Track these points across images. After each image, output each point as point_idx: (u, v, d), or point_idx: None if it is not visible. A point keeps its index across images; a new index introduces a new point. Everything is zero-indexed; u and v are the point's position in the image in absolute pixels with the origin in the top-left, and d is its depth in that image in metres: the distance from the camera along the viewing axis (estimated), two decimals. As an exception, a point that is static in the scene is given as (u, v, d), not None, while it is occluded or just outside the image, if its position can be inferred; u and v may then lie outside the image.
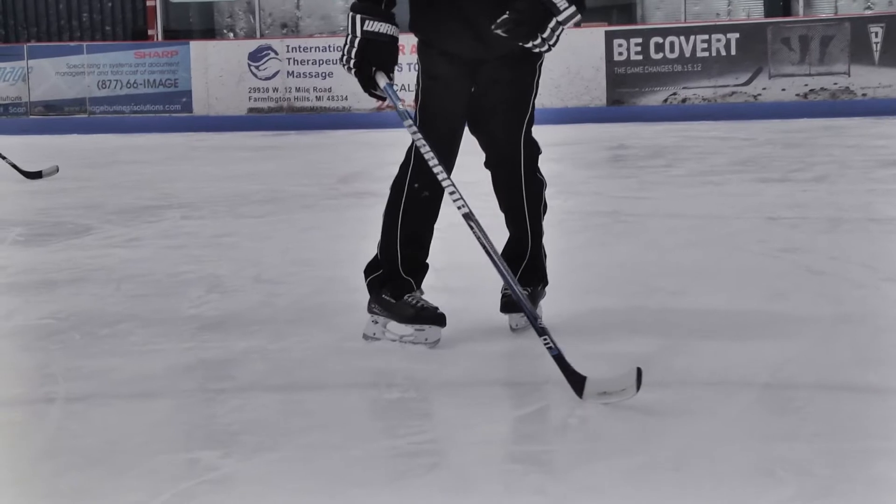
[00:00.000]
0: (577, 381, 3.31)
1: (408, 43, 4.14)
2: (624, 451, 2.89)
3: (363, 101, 14.80)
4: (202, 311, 4.59)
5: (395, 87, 3.89)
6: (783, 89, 13.86)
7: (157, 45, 15.84)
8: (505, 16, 3.66)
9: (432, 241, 4.17)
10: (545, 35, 3.68)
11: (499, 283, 3.87)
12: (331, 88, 14.97)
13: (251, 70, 15.18)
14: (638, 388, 3.17)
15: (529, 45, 3.70)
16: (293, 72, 15.07)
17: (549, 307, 4.16)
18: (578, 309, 4.45)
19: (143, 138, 13.98)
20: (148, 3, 17.20)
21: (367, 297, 4.20)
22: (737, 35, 14.03)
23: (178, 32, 17.07)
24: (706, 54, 14.07)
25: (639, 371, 3.18)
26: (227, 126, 14.73)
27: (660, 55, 14.17)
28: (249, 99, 15.19)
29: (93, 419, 3.29)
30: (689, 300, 4.48)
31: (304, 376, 3.67)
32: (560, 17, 3.67)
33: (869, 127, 11.96)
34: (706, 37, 14.12)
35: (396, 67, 3.89)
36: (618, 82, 14.09)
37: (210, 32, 18.04)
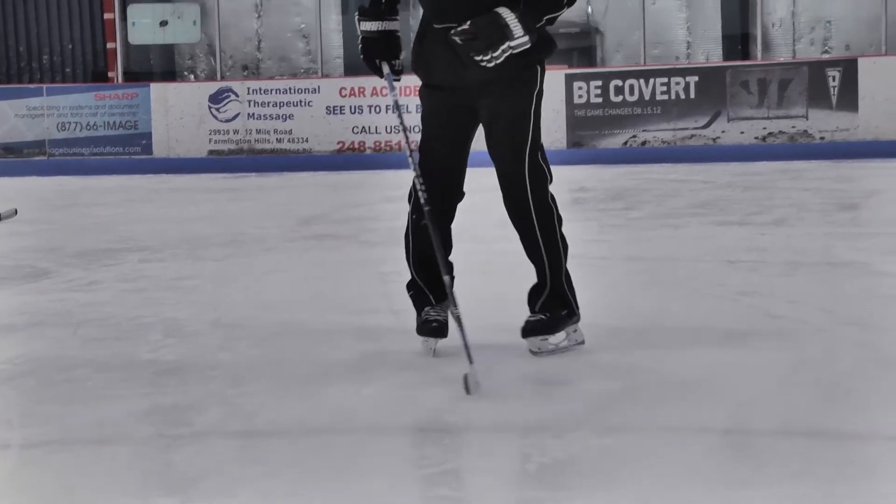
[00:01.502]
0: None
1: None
2: (585, 496, 2.88)
3: (323, 143, 14.81)
4: (160, 355, 4.56)
5: (397, 76, 4.45)
6: (742, 132, 13.95)
7: (117, 87, 15.80)
8: (465, 26, 4.06)
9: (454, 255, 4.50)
10: (495, 54, 4.04)
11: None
12: (291, 130, 14.97)
13: (212, 112, 15.16)
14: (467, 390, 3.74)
15: (478, 57, 4.06)
16: (254, 114, 15.06)
17: (508, 350, 4.17)
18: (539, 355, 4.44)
19: (104, 180, 13.92)
20: (108, 46, 17.17)
21: (327, 339, 4.44)
22: (696, 78, 14.14)
23: (139, 74, 17.04)
24: (665, 97, 14.16)
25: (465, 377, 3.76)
26: (188, 168, 14.69)
27: (619, 98, 14.25)
28: (210, 141, 15.16)
29: (49, 465, 3.25)
30: (648, 343, 4.48)
31: (263, 421, 3.64)
32: (512, 43, 4.03)
33: (827, 170, 12.05)
34: (665, 80, 14.22)
35: (397, 62, 4.44)
36: (578, 125, 14.16)
37: (171, 74, 18.02)
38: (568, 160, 13.43)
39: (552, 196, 4.37)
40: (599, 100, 14.18)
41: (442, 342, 4.36)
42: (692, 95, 14.07)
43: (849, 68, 13.61)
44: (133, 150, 15.25)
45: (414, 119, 4.66)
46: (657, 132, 14.13)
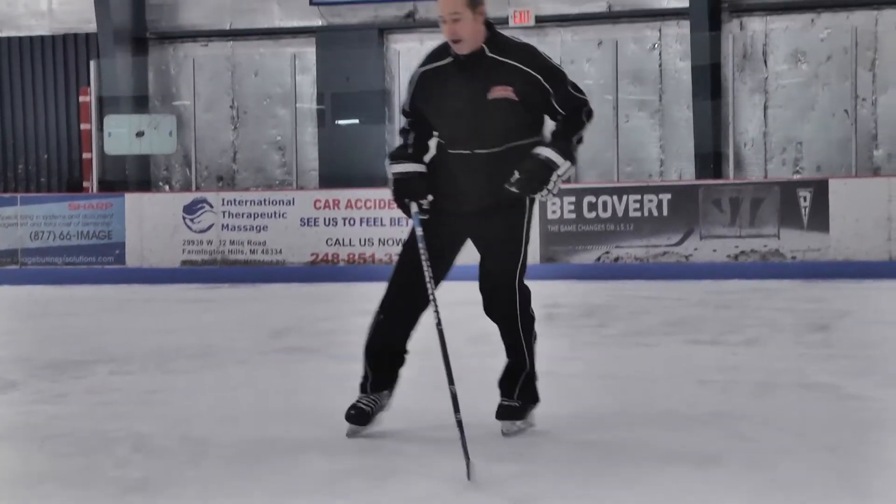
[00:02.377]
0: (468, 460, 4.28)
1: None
2: None
3: (297, 255, 14.82)
4: (126, 471, 4.51)
5: (425, 215, 4.98)
6: (714, 250, 14.03)
7: (91, 197, 15.82)
8: (517, 175, 4.74)
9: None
10: (550, 187, 4.75)
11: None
12: (265, 242, 14.98)
13: (186, 222, 15.17)
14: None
15: (538, 196, 4.79)
16: (228, 224, 15.08)
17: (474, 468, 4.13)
18: (508, 470, 4.42)
19: (76, 290, 13.86)
20: (84, 156, 17.23)
21: (297, 455, 4.60)
22: (669, 196, 14.25)
23: (114, 184, 17.08)
24: (638, 214, 14.25)
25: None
26: (161, 278, 14.66)
27: (593, 214, 14.34)
28: (183, 251, 15.16)
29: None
30: (619, 464, 4.45)
31: (229, 542, 3.59)
32: (559, 171, 4.75)
33: (799, 290, 12.11)
34: (639, 197, 14.32)
35: (424, 201, 4.98)
36: (551, 240, 14.22)
37: (146, 184, 18.08)
38: (542, 275, 13.44)
39: (530, 304, 5.08)
40: (573, 215, 14.26)
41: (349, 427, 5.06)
42: (665, 213, 14.16)
43: (819, 189, 13.74)
44: (106, 259, 15.22)
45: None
46: (630, 249, 14.19)
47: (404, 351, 5.24)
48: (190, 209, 15.16)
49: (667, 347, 7.99)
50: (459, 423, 4.56)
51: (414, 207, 4.98)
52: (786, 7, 16.27)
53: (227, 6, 18.18)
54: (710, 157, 16.12)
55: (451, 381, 4.79)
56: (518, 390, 5.10)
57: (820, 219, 13.64)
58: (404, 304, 5.10)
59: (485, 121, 4.89)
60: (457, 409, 4.63)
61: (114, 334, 9.44)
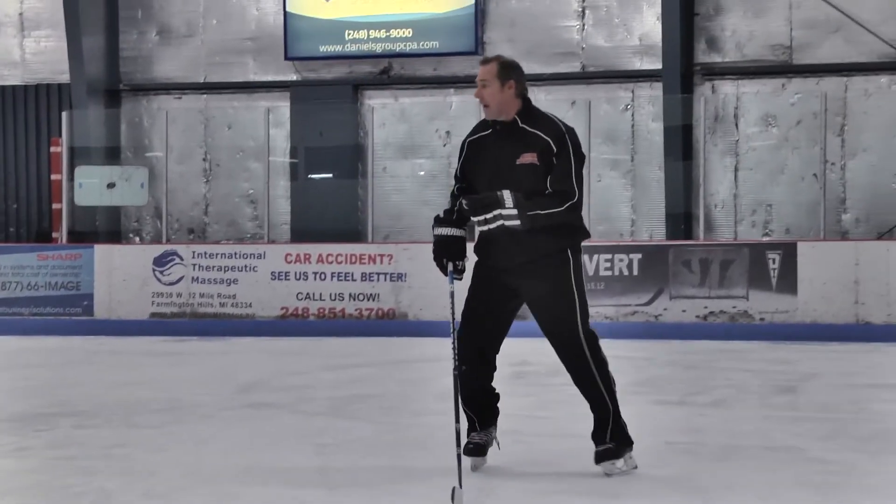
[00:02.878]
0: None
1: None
2: None
3: (267, 309, 14.79)
4: (87, 527, 4.47)
5: (459, 276, 5.65)
6: (683, 310, 14.07)
7: (60, 248, 15.75)
8: (472, 195, 5.51)
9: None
10: (487, 216, 5.47)
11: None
12: (235, 295, 14.94)
13: (155, 275, 15.12)
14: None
15: (474, 218, 5.51)
16: (198, 277, 15.05)
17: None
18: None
19: (42, 341, 13.76)
20: (54, 206, 17.19)
21: None
22: (639, 255, 14.30)
23: (84, 235, 17.03)
24: (609, 273, 14.29)
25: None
26: (129, 330, 14.59)
27: (564, 273, 14.35)
28: (153, 303, 15.10)
29: None
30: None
31: None
32: (503, 212, 5.45)
33: (766, 351, 12.15)
34: (609, 256, 14.36)
35: (461, 263, 5.65)
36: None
37: (116, 236, 18.04)
38: (511, 333, 13.45)
39: (601, 348, 5.60)
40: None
41: (472, 459, 5.62)
42: (635, 272, 14.21)
43: (788, 251, 13.82)
44: (74, 311, 15.13)
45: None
46: (600, 307, 14.21)
47: (493, 390, 5.84)
48: (160, 261, 15.13)
49: (634, 407, 7.91)
50: (459, 457, 5.18)
51: (450, 267, 5.62)
52: (757, 71, 16.44)
53: (202, 60, 18.24)
54: (681, 218, 16.21)
55: (456, 420, 5.36)
56: (609, 434, 5.59)
57: (788, 281, 13.70)
58: (476, 354, 5.70)
59: (512, 181, 5.53)
60: (458, 444, 5.25)
61: (80, 387, 9.38)
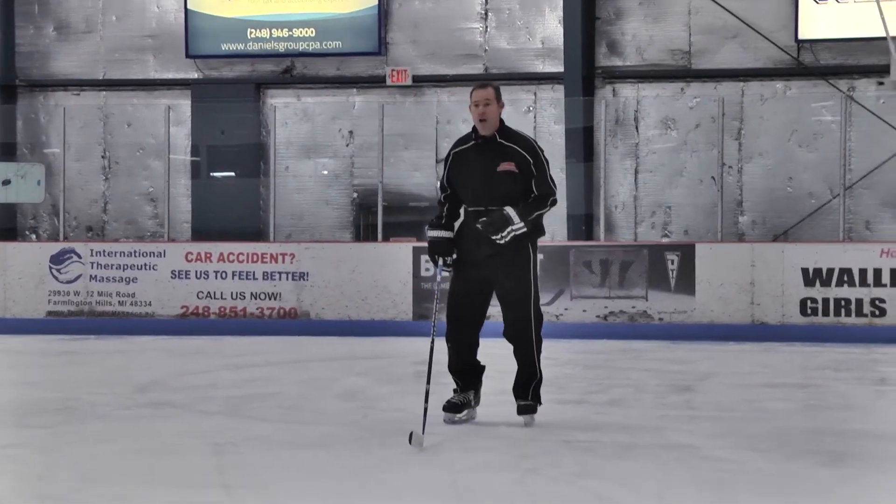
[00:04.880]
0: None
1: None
2: None
3: (167, 308, 14.66)
4: (-22, 528, 4.40)
5: (448, 269, 7.06)
6: (584, 310, 14.20)
7: (-46, 245, 15.50)
8: (484, 218, 6.80)
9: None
10: (503, 234, 6.82)
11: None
12: (134, 294, 14.79)
13: (52, 273, 14.93)
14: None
15: (493, 237, 6.82)
16: (96, 275, 14.87)
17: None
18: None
19: (-65, 339, 13.53)
20: (-53, 203, 16.91)
21: None
22: (540, 256, 14.34)
23: (-22, 233, 16.78)
24: (510, 274, 14.34)
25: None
26: (25, 329, 14.38)
27: (465, 273, 14.40)
28: (49, 302, 14.90)
29: None
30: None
31: None
32: (514, 227, 6.83)
33: (664, 351, 12.30)
34: (510, 257, 14.42)
35: (450, 259, 7.01)
36: (424, 297, 14.26)
37: (12, 233, 17.76)
38: (412, 332, 13.50)
39: (541, 328, 7.11)
40: (446, 273, 14.31)
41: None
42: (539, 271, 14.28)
43: (687, 253, 14.00)
44: (-32, 309, 14.90)
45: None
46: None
47: (477, 363, 7.20)
48: (57, 259, 14.93)
49: (533, 407, 8.02)
50: (425, 411, 6.45)
51: (440, 262, 6.98)
52: (657, 75, 16.63)
53: (101, 56, 18.03)
54: (582, 219, 16.35)
55: (428, 381, 6.66)
56: (531, 393, 7.08)
57: (686, 282, 13.89)
58: (460, 332, 7.06)
59: (495, 186, 6.91)
60: (426, 400, 6.51)
61: (-27, 386, 9.22)
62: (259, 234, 17.01)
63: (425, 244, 7.18)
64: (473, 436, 6.76)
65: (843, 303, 13.61)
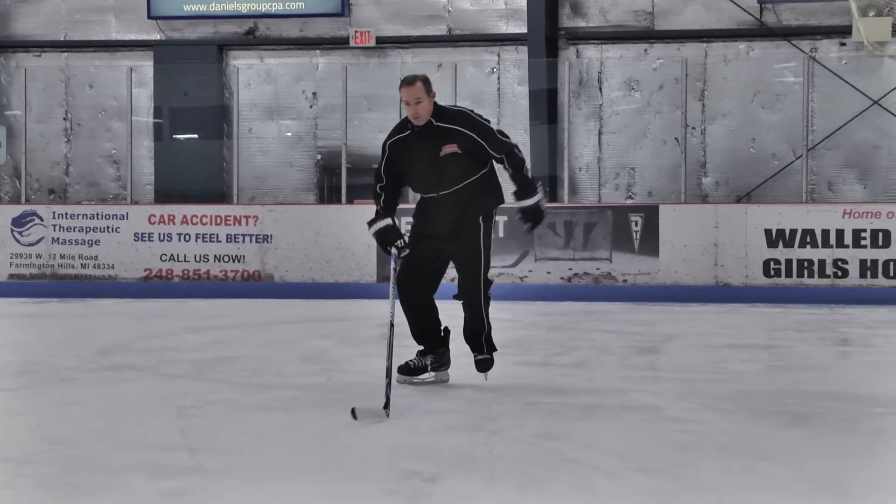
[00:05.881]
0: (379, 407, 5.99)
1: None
2: None
3: (130, 270, 14.60)
4: (-61, 492, 4.37)
5: (402, 252, 6.88)
6: (548, 272, 14.23)
7: (-86, 208, 15.37)
8: (526, 224, 7.12)
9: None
10: (545, 214, 7.14)
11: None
12: (97, 256, 14.72)
13: (14, 235, 14.83)
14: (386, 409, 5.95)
15: (544, 221, 7.13)
16: (59, 238, 14.79)
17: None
18: (335, 499, 4.42)
19: None
20: None
21: (120, 477, 4.58)
22: (504, 218, 14.40)
23: (-61, 194, 16.64)
24: (474, 236, 14.36)
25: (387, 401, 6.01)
26: (-14, 292, 14.31)
27: (430, 235, 14.41)
28: (11, 265, 14.81)
29: None
30: (443, 487, 4.48)
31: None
32: (541, 204, 7.06)
33: (628, 313, 12.35)
34: (475, 219, 14.43)
35: (400, 241, 6.87)
36: (387, 260, 14.25)
37: (-27, 195, 17.63)
38: (376, 294, 13.50)
39: (489, 290, 7.11)
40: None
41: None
42: (501, 234, 14.32)
43: (650, 214, 14.05)
44: (-72, 272, 14.79)
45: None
46: (465, 270, 14.30)
47: (438, 328, 7.21)
48: (19, 222, 14.83)
49: (497, 368, 8.00)
50: (389, 386, 6.21)
51: (394, 251, 6.86)
52: (620, 37, 16.64)
53: (62, 17, 17.87)
54: (546, 181, 16.36)
55: (389, 356, 6.43)
56: (484, 343, 7.13)
57: (650, 243, 13.94)
58: (413, 300, 7.06)
59: (441, 171, 6.88)
60: (388, 376, 6.28)
61: (-66, 350, 9.16)
62: (222, 197, 16.95)
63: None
64: (438, 398, 6.77)
65: (805, 264, 13.70)
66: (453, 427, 5.82)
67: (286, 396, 6.70)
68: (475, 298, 7.06)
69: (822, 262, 13.70)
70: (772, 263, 13.76)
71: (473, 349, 7.19)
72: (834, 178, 16.22)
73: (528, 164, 7.13)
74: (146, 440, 5.38)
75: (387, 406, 5.98)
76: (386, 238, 6.90)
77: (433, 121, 6.86)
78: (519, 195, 7.06)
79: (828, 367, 8.44)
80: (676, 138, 16.01)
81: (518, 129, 16.56)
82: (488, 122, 7.03)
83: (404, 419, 5.97)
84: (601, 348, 9.30)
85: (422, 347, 7.22)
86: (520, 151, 7.05)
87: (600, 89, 16.68)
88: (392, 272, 6.86)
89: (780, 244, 13.75)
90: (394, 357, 6.47)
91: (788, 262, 13.72)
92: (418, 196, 7.17)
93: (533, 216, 7.02)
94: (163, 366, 8.08)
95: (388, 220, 6.92)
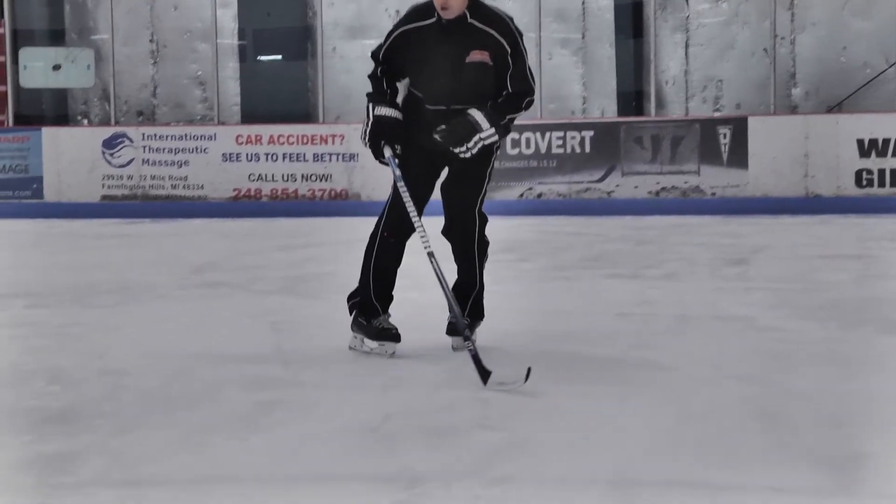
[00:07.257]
0: (483, 374, 4.68)
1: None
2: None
3: (219, 191, 14.73)
4: (43, 402, 4.47)
5: (396, 158, 5.34)
6: (636, 187, 14.14)
7: (7, 131, 15.57)
8: (442, 127, 5.23)
9: (397, 279, 5.56)
10: (469, 145, 5.21)
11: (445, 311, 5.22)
12: (186, 177, 14.86)
13: (105, 157, 15.00)
14: (525, 380, 4.54)
15: (456, 150, 5.23)
16: (148, 159, 14.94)
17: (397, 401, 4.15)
18: (428, 404, 4.45)
19: (-8, 224, 13.69)
20: (-1, 88, 16.95)
21: (215, 389, 4.60)
22: (591, 133, 14.31)
23: (31, 118, 16.82)
24: (561, 151, 14.31)
25: (528, 370, 4.56)
26: (79, 213, 14.50)
27: (516, 151, 14.38)
28: (103, 186, 15.00)
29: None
30: (535, 395, 4.49)
31: (146, 472, 3.58)
32: (482, 135, 5.22)
33: (717, 225, 12.25)
34: (561, 134, 14.37)
35: (398, 147, 5.36)
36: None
37: (63, 118, 17.81)
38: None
39: (485, 233, 5.57)
40: (497, 153, 14.27)
41: (388, 344, 5.35)
42: (587, 150, 14.24)
43: (739, 127, 13.87)
44: (23, 194, 15.02)
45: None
46: (553, 185, 14.26)
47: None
48: (109, 144, 15.00)
49: (586, 282, 8.05)
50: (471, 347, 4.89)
51: (388, 152, 5.33)
52: (708, -55, 16.33)
53: (147, -61, 17.90)
54: (632, 95, 16.21)
55: (451, 309, 5.21)
56: (469, 307, 5.55)
57: (739, 156, 13.78)
58: (401, 230, 5.46)
59: (462, 81, 5.28)
60: (464, 335, 5.02)
61: (30, 269, 9.33)
62: (308, 118, 16.99)
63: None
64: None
65: (898, 174, 13.46)
66: (544, 338, 5.83)
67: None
68: (468, 241, 5.50)
69: (916, 172, 13.46)
70: (864, 174, 13.55)
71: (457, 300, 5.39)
72: (928, 86, 15.88)
73: (523, 111, 5.37)
74: (241, 354, 5.45)
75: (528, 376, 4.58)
76: (386, 133, 5.35)
77: (468, 15, 5.23)
78: (490, 108, 5.26)
79: (922, 277, 8.33)
80: (765, 49, 15.73)
81: (603, 44, 16.38)
82: (526, 50, 5.33)
83: (490, 332, 5.99)
84: (690, 260, 9.24)
85: (377, 294, 5.55)
86: (530, 103, 5.34)
87: (686, 1, 16.41)
88: (394, 189, 5.40)
89: (873, 154, 13.52)
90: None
91: (881, 171, 13.50)
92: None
93: (458, 136, 5.21)
94: (254, 283, 8.16)
95: (398, 115, 5.37)
